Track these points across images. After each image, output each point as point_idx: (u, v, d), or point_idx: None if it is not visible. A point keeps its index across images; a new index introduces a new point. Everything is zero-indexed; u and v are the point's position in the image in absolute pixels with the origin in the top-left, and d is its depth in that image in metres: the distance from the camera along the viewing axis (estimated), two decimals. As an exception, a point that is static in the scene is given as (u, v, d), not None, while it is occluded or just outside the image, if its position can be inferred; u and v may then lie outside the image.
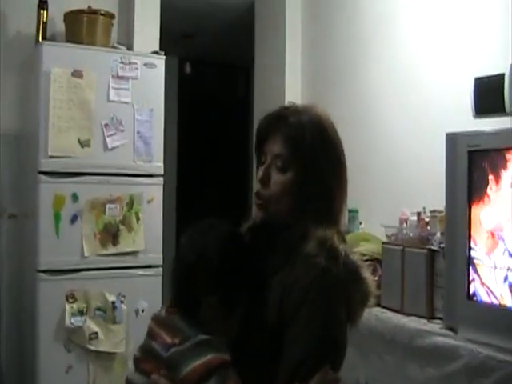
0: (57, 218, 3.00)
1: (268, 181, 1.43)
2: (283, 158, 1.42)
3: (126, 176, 3.12)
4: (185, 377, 1.25)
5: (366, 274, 1.38)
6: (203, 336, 1.29)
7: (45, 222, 3.00)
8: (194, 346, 1.28)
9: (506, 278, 2.09)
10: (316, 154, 1.42)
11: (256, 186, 1.48)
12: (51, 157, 3.01)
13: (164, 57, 3.35)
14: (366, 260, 2.78)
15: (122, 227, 3.12)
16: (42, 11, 3.25)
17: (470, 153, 2.18)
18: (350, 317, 1.36)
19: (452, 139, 2.27)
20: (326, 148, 1.45)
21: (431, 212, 2.62)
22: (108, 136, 3.13)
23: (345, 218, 1.48)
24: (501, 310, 2.10)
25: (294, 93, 3.98)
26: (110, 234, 3.10)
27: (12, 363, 3.39)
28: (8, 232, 3.43)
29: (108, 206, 3.10)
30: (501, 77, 2.55)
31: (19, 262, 3.39)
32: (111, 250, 3.10)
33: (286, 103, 1.55)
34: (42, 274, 2.98)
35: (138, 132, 3.20)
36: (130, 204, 3.16)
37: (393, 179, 3.18)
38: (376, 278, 2.75)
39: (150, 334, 1.37)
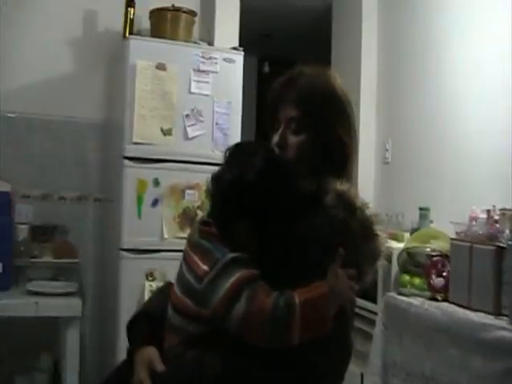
0: (139, 201, 3.12)
1: (285, 145, 1.45)
2: (296, 120, 1.45)
3: (204, 164, 3.16)
4: (220, 299, 1.29)
5: (379, 231, 1.40)
6: (230, 255, 1.32)
7: (128, 204, 3.11)
8: (223, 267, 1.31)
9: None
10: (327, 114, 1.45)
11: None
12: (135, 143, 3.12)
13: (242, 53, 3.42)
14: (436, 255, 2.82)
15: (199, 212, 3.20)
16: (129, 9, 3.42)
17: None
18: (360, 275, 1.35)
19: (524, 135, 2.26)
20: (336, 107, 1.47)
21: (501, 210, 2.60)
22: (188, 126, 3.23)
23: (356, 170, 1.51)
24: None
25: (369, 93, 4.02)
26: (188, 219, 3.19)
27: (94, 337, 3.57)
28: (94, 214, 3.65)
29: (187, 191, 3.20)
30: None
31: (103, 242, 3.58)
32: (189, 233, 3.21)
33: (296, 69, 1.53)
34: (124, 253, 3.10)
35: (216, 123, 3.29)
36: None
37: (463, 178, 3.17)
38: (445, 274, 2.77)
39: (184, 257, 1.41)
